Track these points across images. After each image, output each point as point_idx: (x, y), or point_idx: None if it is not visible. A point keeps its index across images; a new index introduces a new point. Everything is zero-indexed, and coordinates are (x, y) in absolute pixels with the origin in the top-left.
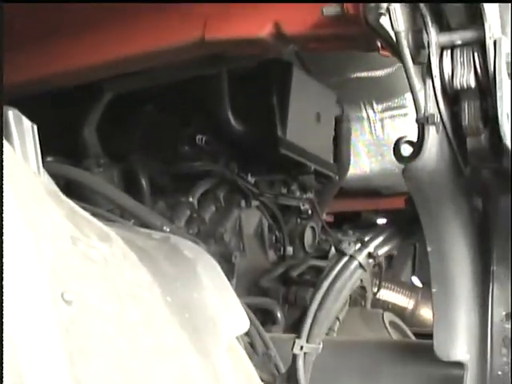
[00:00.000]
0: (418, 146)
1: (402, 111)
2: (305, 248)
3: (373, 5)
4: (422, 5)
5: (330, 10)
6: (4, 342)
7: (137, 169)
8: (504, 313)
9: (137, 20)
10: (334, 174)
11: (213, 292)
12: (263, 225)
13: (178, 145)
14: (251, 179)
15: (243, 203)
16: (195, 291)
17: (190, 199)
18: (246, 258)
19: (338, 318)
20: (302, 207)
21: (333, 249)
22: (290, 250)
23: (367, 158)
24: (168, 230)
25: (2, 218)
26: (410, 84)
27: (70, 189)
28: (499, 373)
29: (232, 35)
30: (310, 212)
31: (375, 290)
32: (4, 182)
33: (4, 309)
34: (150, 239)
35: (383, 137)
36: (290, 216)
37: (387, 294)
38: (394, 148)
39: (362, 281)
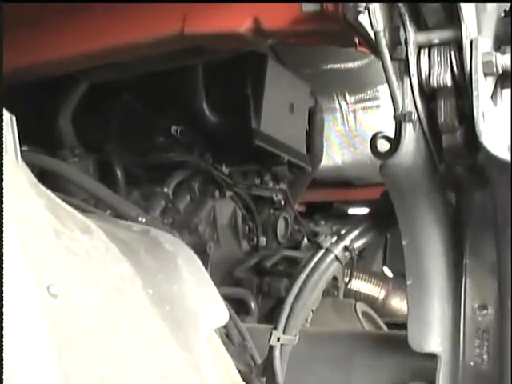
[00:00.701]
0: (395, 142)
1: (374, 103)
2: (278, 238)
3: (351, 4)
4: (400, 4)
5: (309, 7)
6: None
7: (112, 159)
8: (476, 305)
9: (117, 13)
10: (306, 164)
11: (193, 285)
12: (237, 215)
13: (153, 135)
14: (225, 170)
15: (217, 194)
16: (176, 284)
17: (165, 190)
18: (220, 248)
19: (311, 309)
20: (275, 198)
21: (305, 239)
22: (263, 240)
23: (339, 149)
24: (143, 220)
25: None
26: (388, 82)
27: (44, 179)
28: (471, 363)
29: (211, 29)
30: (282, 202)
31: (347, 280)
32: None
33: None
34: (130, 232)
35: (355, 128)
36: (263, 206)
37: (359, 284)
38: (370, 143)
39: None
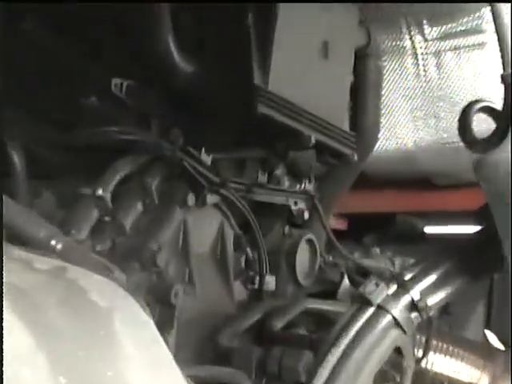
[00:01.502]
0: (502, 121)
1: (473, 39)
2: (297, 279)
3: None
4: None
5: None
6: None
7: (4, 137)
8: None
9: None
10: (350, 149)
11: (140, 367)
12: (225, 237)
13: (78, 95)
14: (206, 158)
15: (191, 199)
16: (111, 366)
17: (99, 192)
18: (195, 295)
19: None
20: (292, 206)
21: (345, 281)
22: (270, 281)
23: (411, 121)
24: (58, 246)
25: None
26: (496, 28)
27: None
28: None
29: None
30: (306, 215)
31: (420, 354)
32: None
33: None
34: (31, 272)
35: (439, 84)
36: (271, 222)
37: (442, 362)
38: (460, 121)
39: None
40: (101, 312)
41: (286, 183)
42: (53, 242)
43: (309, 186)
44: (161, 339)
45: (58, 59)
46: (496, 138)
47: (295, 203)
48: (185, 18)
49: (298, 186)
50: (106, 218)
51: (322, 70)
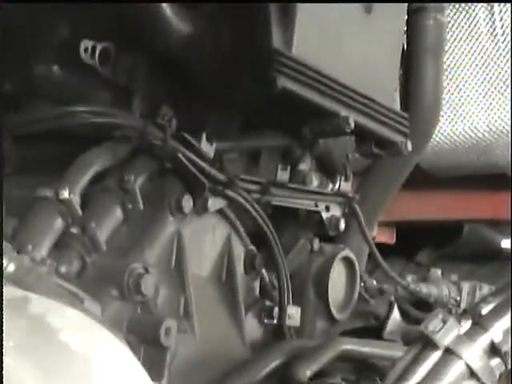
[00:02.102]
0: None
1: None
2: (330, 310)
3: None
4: None
5: None
6: None
7: None
8: None
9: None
10: (402, 136)
11: None
12: (233, 254)
13: (36, 59)
14: (208, 148)
15: (187, 204)
16: None
17: (64, 194)
18: (194, 333)
19: None
20: (323, 213)
21: (396, 313)
22: (294, 313)
23: (483, 98)
24: (10, 267)
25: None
26: None
27: None
28: None
29: None
30: (342, 225)
31: None
32: None
33: None
34: None
35: None
36: (295, 234)
37: None
38: None
39: None
40: (76, 359)
41: (315, 182)
42: (5, 263)
43: (345, 186)
44: None
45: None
46: None
47: (327, 208)
48: None
49: (330, 186)
50: (74, 230)
51: (364, 28)
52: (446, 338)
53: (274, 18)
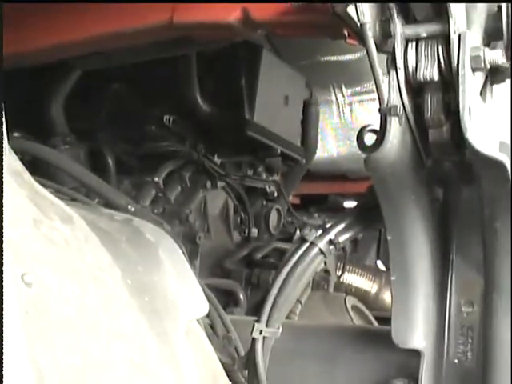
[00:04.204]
0: (380, 135)
1: (371, 96)
2: (270, 230)
3: None
4: None
5: None
6: None
7: (103, 147)
8: (462, 301)
9: (109, 2)
10: (300, 156)
11: (173, 276)
12: (228, 206)
13: (145, 124)
14: (217, 160)
15: (209, 184)
16: (156, 275)
17: (156, 179)
18: (211, 239)
19: (300, 302)
20: (268, 189)
21: (298, 232)
22: (254, 231)
23: (335, 141)
24: (133, 209)
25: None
26: (373, 75)
27: (36, 166)
28: (455, 361)
29: (200, 19)
30: (275, 194)
31: (339, 273)
32: None
33: None
34: (112, 221)
35: (351, 121)
36: (255, 198)
37: (351, 278)
38: (357, 135)
39: (325, 264)
40: (151, 244)
41: (264, 175)
42: (129, 207)
43: (277, 178)
44: (185, 260)
45: (132, 103)
46: (376, 145)
47: (269, 187)
48: (206, 75)
49: (270, 178)
50: (160, 195)
51: (285, 111)
52: (310, 237)
53: (246, 101)
